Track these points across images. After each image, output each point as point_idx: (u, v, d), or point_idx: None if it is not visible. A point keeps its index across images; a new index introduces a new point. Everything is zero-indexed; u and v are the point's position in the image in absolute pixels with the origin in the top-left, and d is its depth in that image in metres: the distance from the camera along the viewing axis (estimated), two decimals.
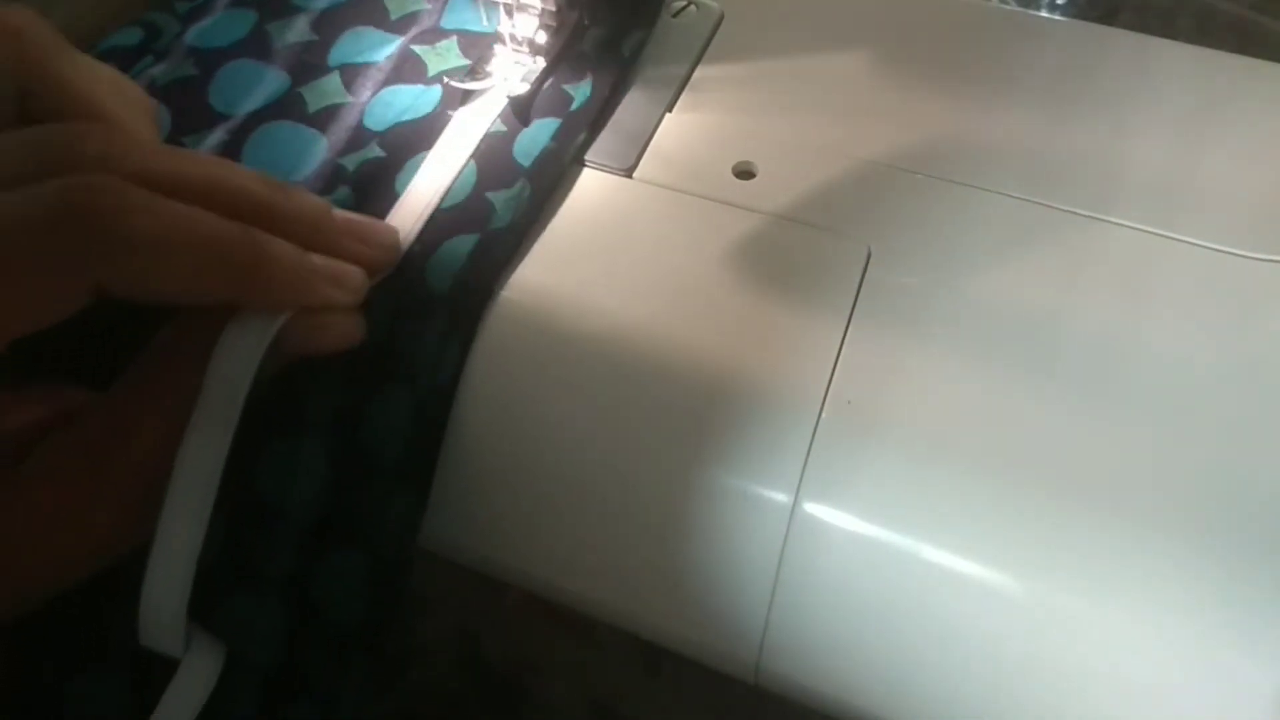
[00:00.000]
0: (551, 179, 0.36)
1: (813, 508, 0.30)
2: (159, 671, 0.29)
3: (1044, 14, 0.48)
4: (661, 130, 0.38)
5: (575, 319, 0.33)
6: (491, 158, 0.37)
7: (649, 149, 0.37)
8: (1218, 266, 0.34)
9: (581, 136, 0.37)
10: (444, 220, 0.35)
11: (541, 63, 0.38)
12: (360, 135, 0.38)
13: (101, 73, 0.31)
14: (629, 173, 0.37)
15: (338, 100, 0.39)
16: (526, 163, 0.36)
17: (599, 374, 0.32)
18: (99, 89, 0.31)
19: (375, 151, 0.37)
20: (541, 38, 0.38)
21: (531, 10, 0.38)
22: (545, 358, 0.32)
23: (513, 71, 0.38)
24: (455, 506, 0.33)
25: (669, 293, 0.33)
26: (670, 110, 0.39)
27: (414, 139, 0.37)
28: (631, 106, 0.39)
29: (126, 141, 0.28)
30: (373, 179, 0.36)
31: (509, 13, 0.38)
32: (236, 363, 0.28)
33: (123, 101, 0.31)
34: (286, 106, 0.39)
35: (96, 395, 0.29)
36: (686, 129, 0.38)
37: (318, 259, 0.30)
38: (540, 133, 0.37)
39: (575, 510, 0.32)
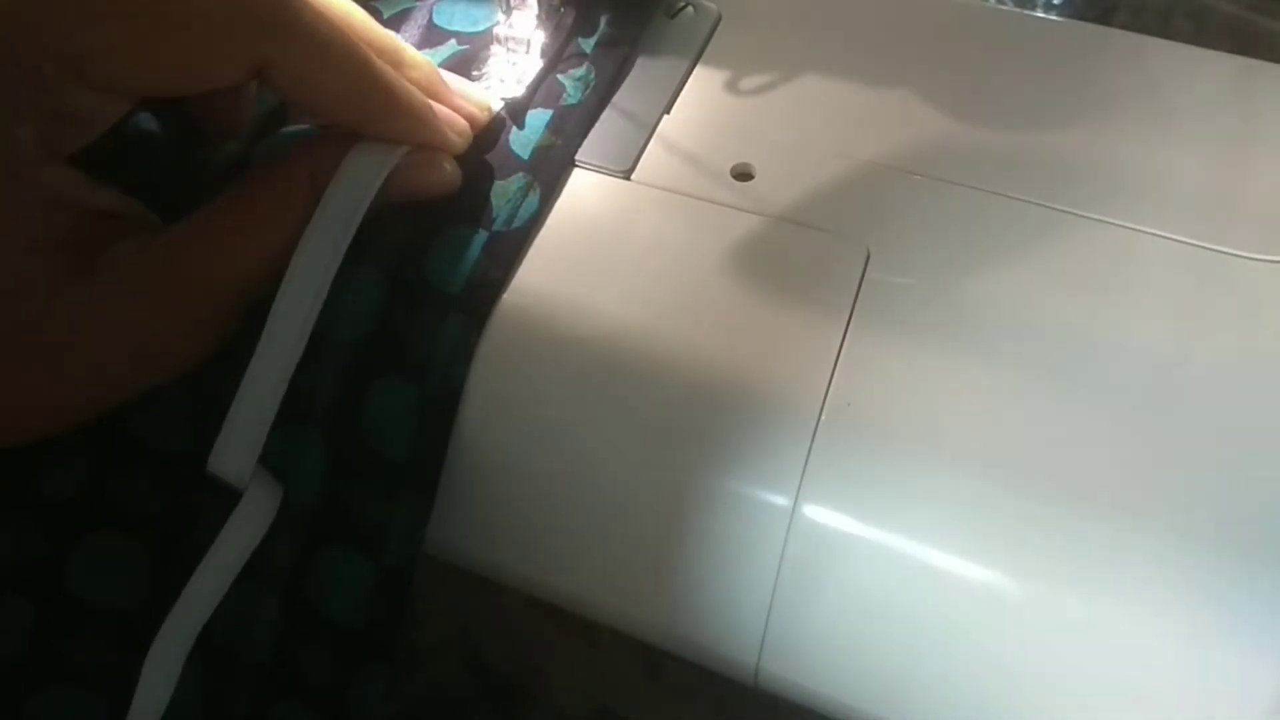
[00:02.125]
0: (555, 172, 0.36)
1: (812, 510, 0.30)
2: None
3: (1040, 14, 0.48)
4: (659, 132, 0.38)
5: (574, 321, 0.33)
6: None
7: (647, 151, 0.37)
8: (1216, 266, 0.34)
9: (578, 132, 0.38)
10: (443, 209, 0.35)
11: (538, 64, 0.38)
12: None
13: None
14: (627, 175, 0.37)
15: None
16: (525, 155, 0.36)
17: (597, 377, 0.32)
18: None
19: None
20: (538, 39, 0.38)
21: (528, 10, 0.38)
22: (544, 361, 0.32)
23: (509, 73, 0.38)
24: (454, 510, 0.33)
25: (667, 295, 0.33)
26: (668, 112, 0.39)
27: None
28: (629, 108, 0.39)
29: None
30: None
31: (505, 13, 0.38)
32: (357, 184, 0.30)
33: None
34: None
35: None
36: (684, 130, 0.38)
37: (435, 103, 0.33)
38: (534, 124, 0.37)
39: (574, 513, 0.32)
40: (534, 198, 0.35)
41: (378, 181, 0.30)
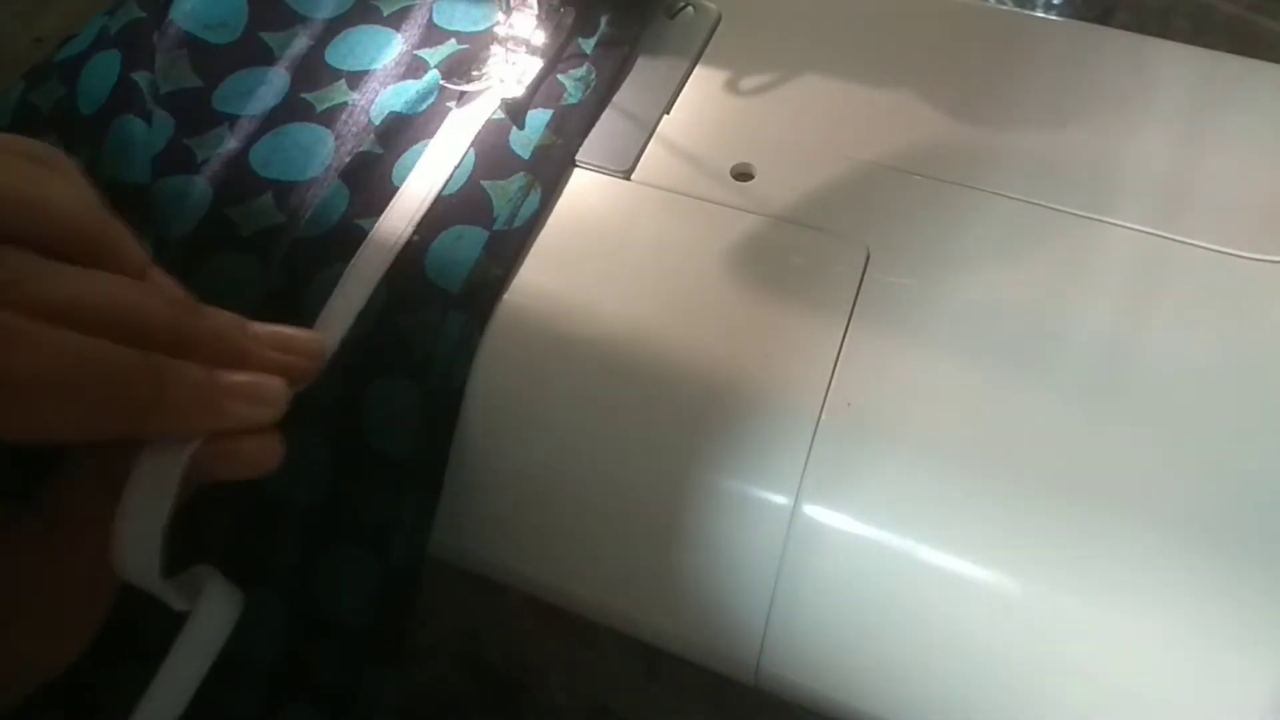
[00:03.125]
0: (556, 172, 0.36)
1: (812, 509, 0.30)
2: None
3: (1040, 14, 0.48)
4: (659, 132, 0.38)
5: (574, 321, 0.33)
6: (489, 149, 0.37)
7: (647, 151, 0.37)
8: (1216, 266, 0.34)
9: (579, 131, 0.38)
10: (444, 209, 0.35)
11: (538, 64, 0.38)
12: (364, 130, 0.38)
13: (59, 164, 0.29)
14: (627, 174, 0.37)
15: (342, 100, 0.39)
16: (525, 155, 0.36)
17: (598, 376, 0.32)
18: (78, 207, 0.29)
19: (372, 146, 0.37)
20: (538, 38, 0.38)
21: (528, 10, 0.38)
22: (545, 360, 0.33)
23: (508, 73, 0.38)
24: (455, 510, 0.33)
25: (668, 295, 0.33)
26: (668, 112, 0.39)
27: (411, 131, 0.37)
28: (629, 108, 0.39)
29: (21, 266, 0.26)
30: (368, 171, 0.36)
31: (505, 13, 0.38)
32: (149, 501, 0.27)
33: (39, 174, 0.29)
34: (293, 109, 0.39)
35: (17, 512, 0.28)
36: (685, 130, 0.38)
37: (232, 376, 0.28)
38: (534, 123, 0.37)
39: (575, 513, 0.32)
40: (535, 197, 0.35)
41: (172, 485, 0.27)
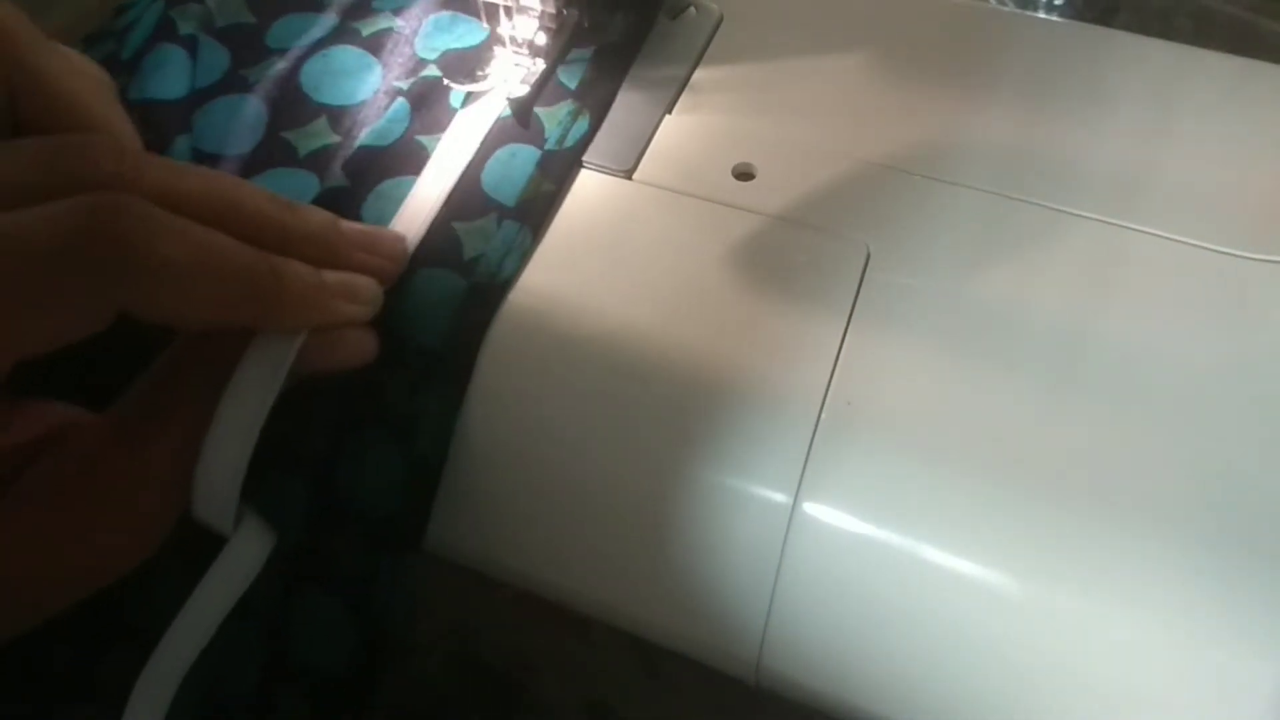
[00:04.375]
0: (601, 99, 0.38)
1: (812, 508, 0.30)
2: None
3: (1041, 15, 0.48)
4: (661, 132, 0.38)
5: (576, 320, 0.33)
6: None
7: (649, 150, 0.38)
8: (1215, 267, 0.34)
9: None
10: (500, 130, 0.37)
11: (541, 64, 0.38)
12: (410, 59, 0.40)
13: (80, 65, 0.31)
14: (629, 174, 0.37)
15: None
16: (571, 85, 0.38)
17: (599, 374, 0.32)
18: (82, 86, 0.31)
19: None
20: (541, 39, 0.38)
21: (531, 12, 0.38)
22: (545, 358, 0.33)
23: (512, 74, 0.38)
24: (454, 505, 0.33)
25: (669, 294, 0.33)
26: (670, 112, 0.39)
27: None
28: (631, 108, 0.39)
29: (139, 157, 0.27)
30: (428, 93, 0.39)
31: (508, 15, 0.38)
32: (258, 387, 0.28)
33: (107, 99, 0.31)
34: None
35: (94, 415, 0.29)
36: (686, 130, 0.38)
37: (330, 275, 0.30)
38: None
39: (575, 510, 0.32)
40: (584, 121, 0.37)
41: (280, 372, 0.29)
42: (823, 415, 0.31)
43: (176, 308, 0.26)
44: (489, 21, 0.38)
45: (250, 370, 0.28)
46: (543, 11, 0.38)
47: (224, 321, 0.28)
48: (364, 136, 0.38)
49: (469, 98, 0.38)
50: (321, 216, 0.31)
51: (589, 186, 0.37)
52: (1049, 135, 0.38)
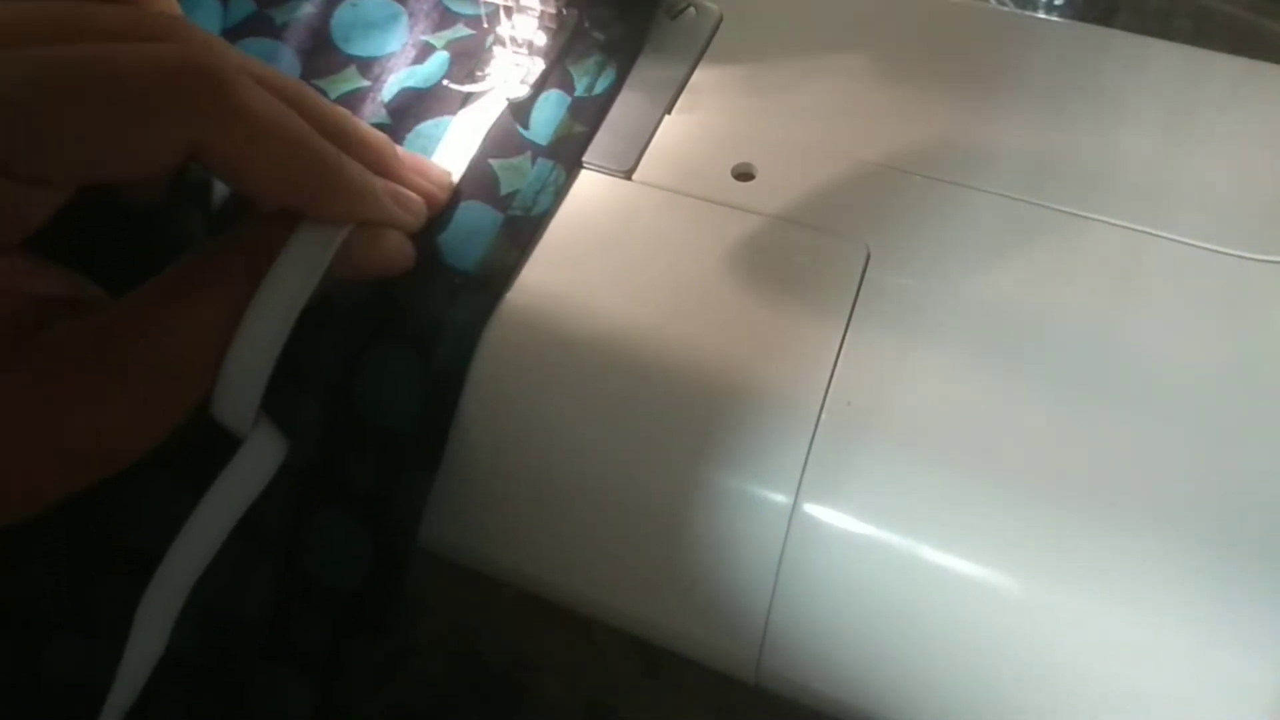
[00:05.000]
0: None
1: (813, 508, 0.30)
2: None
3: (1041, 15, 0.48)
4: (661, 132, 0.38)
5: (575, 320, 0.33)
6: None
7: (648, 151, 0.37)
8: (1215, 267, 0.34)
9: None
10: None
11: (541, 64, 0.38)
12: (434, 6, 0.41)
13: None
14: (628, 174, 0.37)
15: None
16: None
17: (598, 375, 0.32)
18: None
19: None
20: (541, 39, 0.38)
21: (530, 12, 0.38)
22: (545, 358, 0.33)
23: (512, 74, 0.38)
24: (454, 505, 0.33)
25: (669, 294, 0.33)
26: (669, 112, 0.39)
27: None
28: (631, 108, 0.39)
29: (223, 41, 0.29)
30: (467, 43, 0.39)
31: (508, 14, 0.38)
32: (300, 272, 0.29)
33: None
34: None
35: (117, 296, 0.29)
36: (686, 131, 0.38)
37: (385, 180, 0.32)
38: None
39: (575, 511, 0.32)
40: (611, 71, 0.38)
41: (325, 259, 0.29)
42: (823, 415, 0.31)
43: (245, 161, 0.28)
44: (489, 21, 0.38)
45: (295, 253, 0.29)
46: (542, 11, 0.38)
47: (281, 193, 0.29)
48: (406, 79, 0.38)
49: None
50: (379, 134, 0.33)
51: (589, 187, 0.36)
52: (1048, 135, 0.38)
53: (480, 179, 0.36)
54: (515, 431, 0.32)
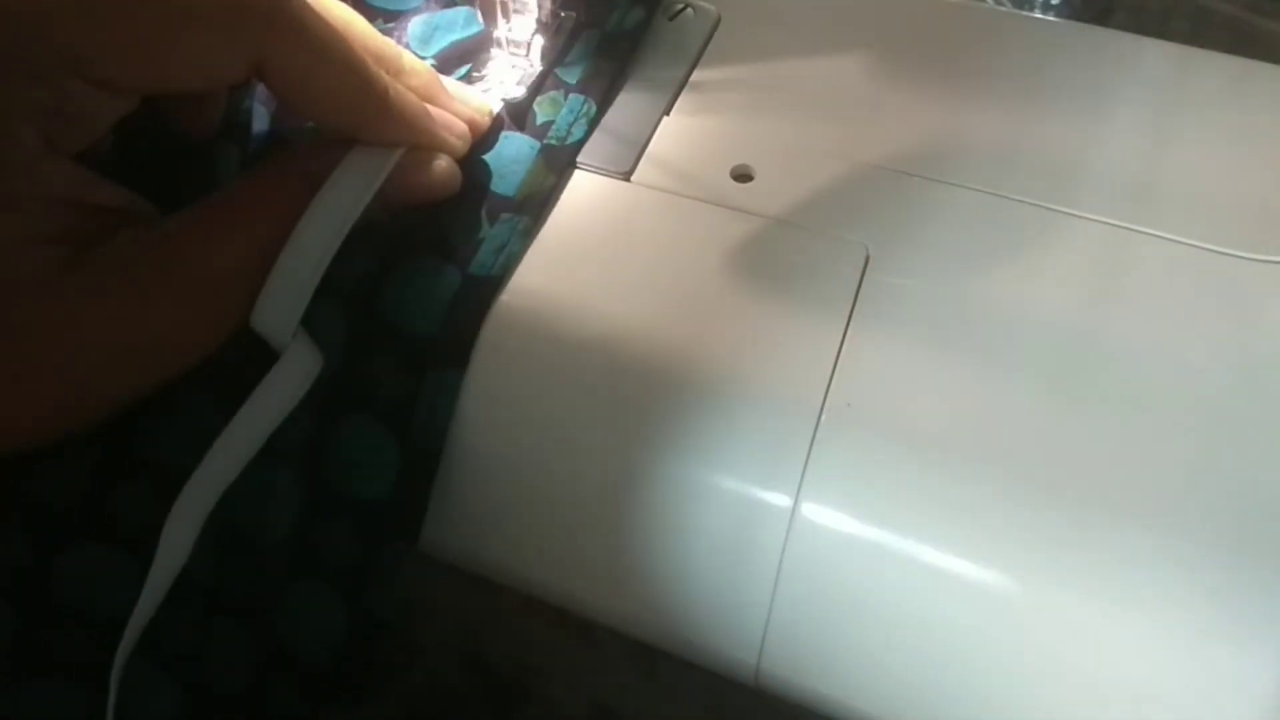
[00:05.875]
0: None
1: (812, 510, 0.30)
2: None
3: (1038, 15, 0.48)
4: (659, 133, 0.38)
5: (573, 323, 0.33)
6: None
7: (646, 152, 0.37)
8: (1214, 267, 0.34)
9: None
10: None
11: (539, 66, 0.38)
12: None
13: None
14: (626, 176, 0.37)
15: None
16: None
17: (598, 378, 0.32)
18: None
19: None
20: (538, 41, 0.38)
21: (528, 13, 0.38)
22: (543, 361, 0.33)
23: (509, 75, 0.38)
24: (452, 509, 0.33)
25: (668, 296, 0.33)
26: (668, 113, 0.39)
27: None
28: (628, 110, 0.39)
29: None
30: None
31: (505, 15, 0.38)
32: (355, 180, 0.30)
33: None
34: None
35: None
36: (684, 132, 0.38)
37: (431, 108, 0.33)
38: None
39: (574, 513, 0.32)
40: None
41: (377, 179, 0.31)
42: (822, 417, 0.31)
43: (306, 79, 0.29)
44: (486, 21, 0.38)
45: (348, 172, 0.30)
46: (540, 13, 0.38)
47: (338, 114, 0.31)
48: (441, 29, 0.39)
49: None
50: (424, 63, 0.35)
51: (587, 188, 0.36)
52: (1047, 136, 0.38)
53: (517, 110, 0.38)
54: (513, 435, 0.32)
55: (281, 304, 0.29)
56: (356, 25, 0.32)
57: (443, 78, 0.35)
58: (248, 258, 0.29)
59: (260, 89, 0.39)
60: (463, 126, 0.34)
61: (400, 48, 0.34)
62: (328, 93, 0.30)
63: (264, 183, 0.31)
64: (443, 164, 0.33)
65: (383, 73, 0.31)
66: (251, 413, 0.30)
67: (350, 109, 0.31)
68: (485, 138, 0.36)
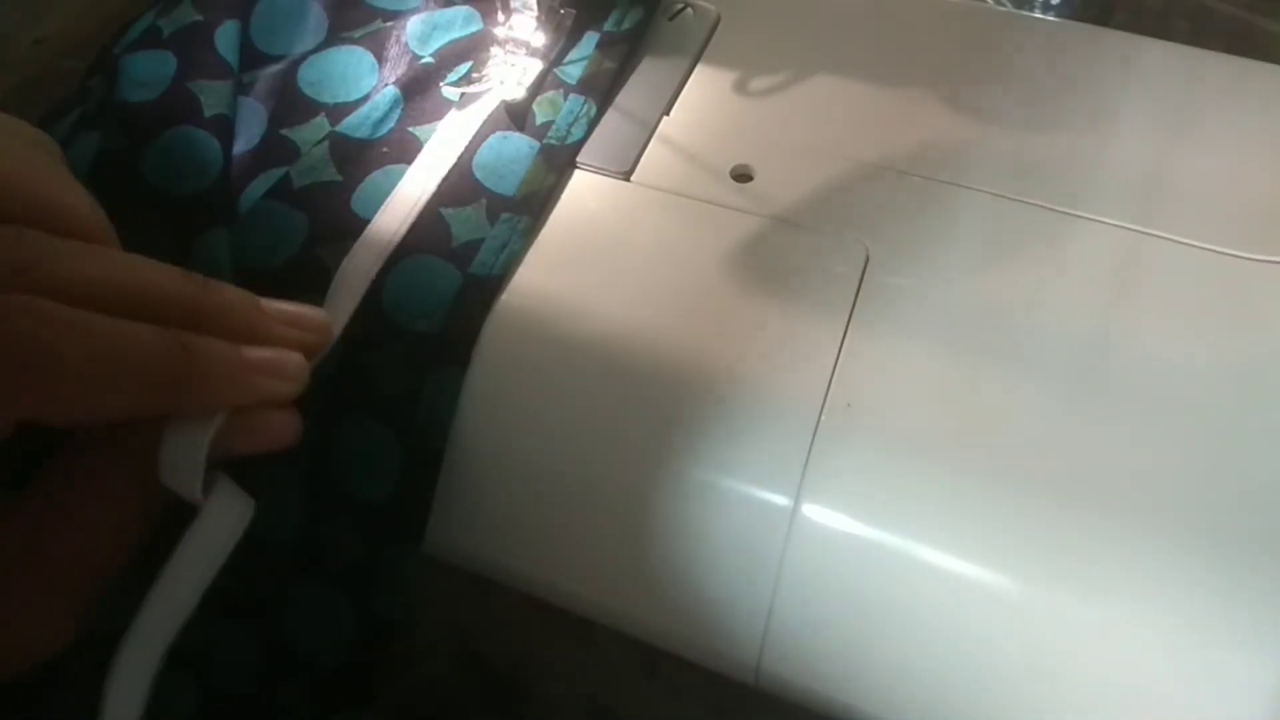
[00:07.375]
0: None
1: (813, 510, 0.30)
2: None
3: (1038, 15, 0.48)
4: (659, 133, 0.38)
5: (574, 322, 0.33)
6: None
7: (647, 152, 0.38)
8: (1214, 267, 0.34)
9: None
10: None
11: (538, 65, 0.38)
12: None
13: (14, 130, 0.29)
14: (627, 176, 0.37)
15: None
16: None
17: (597, 377, 0.32)
18: (13, 163, 0.28)
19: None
20: (538, 40, 0.38)
21: (528, 13, 0.38)
22: (543, 361, 0.33)
23: (509, 75, 0.38)
24: (452, 508, 0.33)
25: (668, 296, 0.33)
26: (668, 113, 0.39)
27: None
28: (628, 110, 0.39)
29: (41, 246, 0.25)
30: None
31: (505, 15, 0.38)
32: (182, 472, 0.27)
33: (46, 168, 0.29)
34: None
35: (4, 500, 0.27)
36: (684, 132, 0.38)
37: (253, 351, 0.28)
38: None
39: (574, 513, 0.32)
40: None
41: (199, 463, 0.27)
42: (823, 417, 0.31)
43: (84, 409, 0.25)
44: (486, 21, 0.38)
45: (168, 457, 0.27)
46: (539, 12, 0.38)
47: (139, 413, 0.26)
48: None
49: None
50: (239, 293, 0.29)
51: (586, 188, 0.36)
52: (1047, 136, 0.38)
53: (516, 115, 0.38)
54: (513, 435, 0.32)
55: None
56: (146, 285, 0.27)
57: (268, 303, 0.30)
58: (90, 555, 0.27)
59: (259, 88, 0.39)
60: (295, 363, 0.29)
61: (211, 285, 0.29)
62: (116, 402, 0.25)
63: (94, 482, 0.27)
64: (274, 420, 0.29)
65: (178, 335, 0.26)
66: (182, 563, 0.28)
67: (149, 402, 0.26)
68: (484, 139, 0.37)
